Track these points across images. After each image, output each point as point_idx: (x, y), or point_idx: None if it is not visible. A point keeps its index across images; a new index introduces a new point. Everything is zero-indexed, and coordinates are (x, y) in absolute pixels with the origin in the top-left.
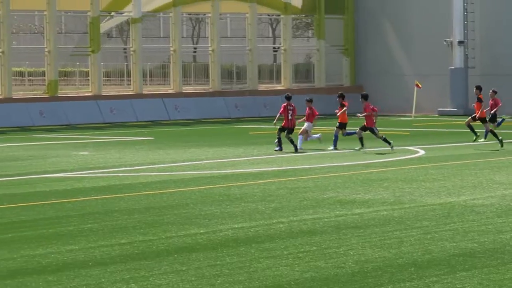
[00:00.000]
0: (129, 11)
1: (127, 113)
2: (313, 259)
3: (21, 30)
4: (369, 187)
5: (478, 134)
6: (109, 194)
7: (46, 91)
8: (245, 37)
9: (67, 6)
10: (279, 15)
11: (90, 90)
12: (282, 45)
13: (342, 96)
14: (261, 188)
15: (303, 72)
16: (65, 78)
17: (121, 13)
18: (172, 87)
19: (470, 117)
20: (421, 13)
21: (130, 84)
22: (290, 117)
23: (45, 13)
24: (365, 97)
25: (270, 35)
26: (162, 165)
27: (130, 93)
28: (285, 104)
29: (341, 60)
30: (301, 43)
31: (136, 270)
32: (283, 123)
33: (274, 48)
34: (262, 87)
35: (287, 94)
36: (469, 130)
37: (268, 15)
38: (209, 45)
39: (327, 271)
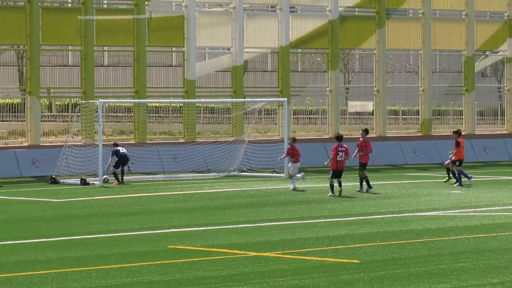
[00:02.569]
0: (504, 50)
1: (500, 152)
2: None
3: (396, 69)
4: None
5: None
6: (481, 233)
7: (420, 130)
8: None
9: (442, 45)
10: None
11: (463, 129)
12: None
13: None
14: None
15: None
16: (439, 116)
17: (496, 52)
18: None
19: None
20: None
21: (504, 123)
22: (339, 159)
23: (420, 52)
24: None
25: None
26: None
27: (504, 132)
28: (336, 145)
29: None
30: None
31: None
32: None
33: None
34: None
35: (338, 134)
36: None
37: None
38: None
39: None
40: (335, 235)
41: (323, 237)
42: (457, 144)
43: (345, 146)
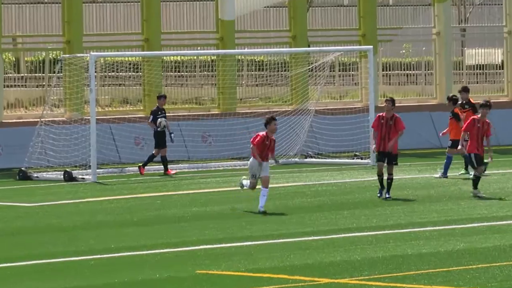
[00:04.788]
0: None
1: None
2: None
3: None
4: None
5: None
6: None
7: None
8: None
9: None
10: None
11: None
12: None
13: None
14: None
15: None
16: None
17: None
18: None
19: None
20: None
21: None
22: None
23: None
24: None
25: None
26: None
27: None
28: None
29: None
30: None
31: None
32: None
33: None
34: None
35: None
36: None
37: None
38: None
39: None
40: (447, 251)
41: (429, 254)
42: (456, 117)
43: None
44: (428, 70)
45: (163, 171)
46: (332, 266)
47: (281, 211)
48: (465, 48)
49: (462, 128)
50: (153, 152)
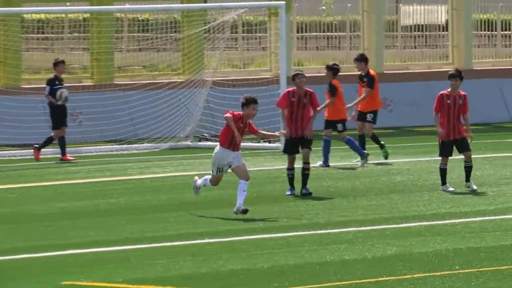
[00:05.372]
0: None
1: None
2: None
3: None
4: None
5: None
6: None
7: None
8: None
9: None
10: None
11: None
12: None
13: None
14: None
15: None
16: None
17: None
18: None
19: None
20: None
21: None
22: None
23: None
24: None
25: None
26: None
27: None
28: None
29: None
30: None
31: None
32: None
33: None
34: None
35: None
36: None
37: None
38: None
39: None
40: (375, 257)
41: (353, 261)
42: (332, 90)
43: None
44: (354, 31)
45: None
46: (232, 277)
47: (167, 207)
48: (400, 5)
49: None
50: (52, 134)
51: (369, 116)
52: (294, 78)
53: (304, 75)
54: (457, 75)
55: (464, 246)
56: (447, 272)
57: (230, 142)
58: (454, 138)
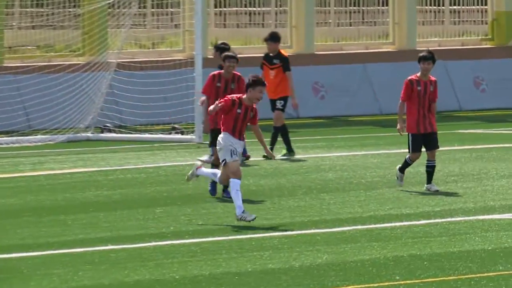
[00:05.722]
0: None
1: None
2: None
3: None
4: None
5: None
6: None
7: None
8: None
9: None
10: None
11: None
12: None
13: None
14: None
15: None
16: None
17: None
18: None
19: None
20: None
21: None
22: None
23: None
24: None
25: None
26: None
27: None
28: None
29: None
30: None
31: None
32: None
33: None
34: None
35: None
36: None
37: None
38: None
39: None
40: (304, 266)
41: (279, 270)
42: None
43: None
44: (280, 6)
45: None
46: None
47: (64, 208)
48: None
49: (401, 97)
50: None
51: (279, 104)
52: (224, 59)
53: (236, 58)
54: (430, 58)
55: (406, 254)
56: (386, 283)
57: (233, 129)
58: (424, 132)
